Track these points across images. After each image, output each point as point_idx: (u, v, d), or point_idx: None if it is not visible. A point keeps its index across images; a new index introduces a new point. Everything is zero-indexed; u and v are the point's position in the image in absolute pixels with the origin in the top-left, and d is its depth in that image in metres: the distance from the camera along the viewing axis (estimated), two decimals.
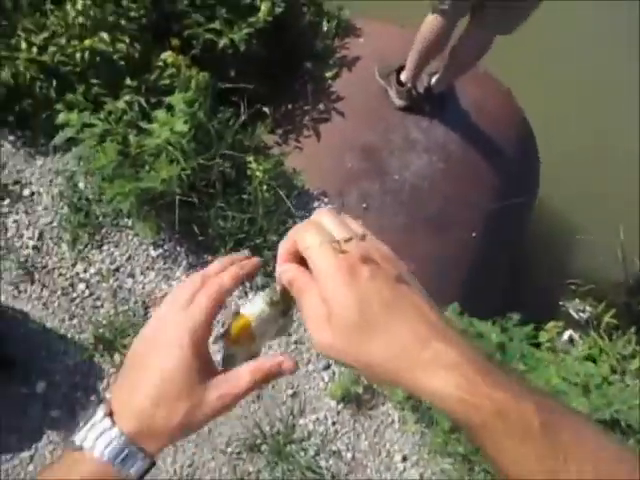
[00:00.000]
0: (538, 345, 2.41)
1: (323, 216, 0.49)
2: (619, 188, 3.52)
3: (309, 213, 2.41)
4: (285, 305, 0.51)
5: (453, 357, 0.40)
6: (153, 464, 0.46)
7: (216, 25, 2.43)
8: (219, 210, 2.09)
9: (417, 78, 2.66)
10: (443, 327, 0.43)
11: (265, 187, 2.09)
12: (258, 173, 2.10)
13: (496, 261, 2.83)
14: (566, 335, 3.03)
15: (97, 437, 0.44)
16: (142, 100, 2.11)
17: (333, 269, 0.44)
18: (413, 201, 2.63)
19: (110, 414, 0.45)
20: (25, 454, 1.69)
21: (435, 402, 0.41)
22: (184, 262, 2.06)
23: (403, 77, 2.67)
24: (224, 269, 0.53)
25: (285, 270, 0.48)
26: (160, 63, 2.16)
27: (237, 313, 0.51)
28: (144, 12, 2.23)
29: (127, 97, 2.09)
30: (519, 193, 3.04)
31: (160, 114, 2.02)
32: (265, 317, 0.51)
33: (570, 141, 3.51)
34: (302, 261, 0.47)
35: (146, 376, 0.45)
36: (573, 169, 3.51)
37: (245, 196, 2.16)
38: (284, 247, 0.49)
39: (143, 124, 2.07)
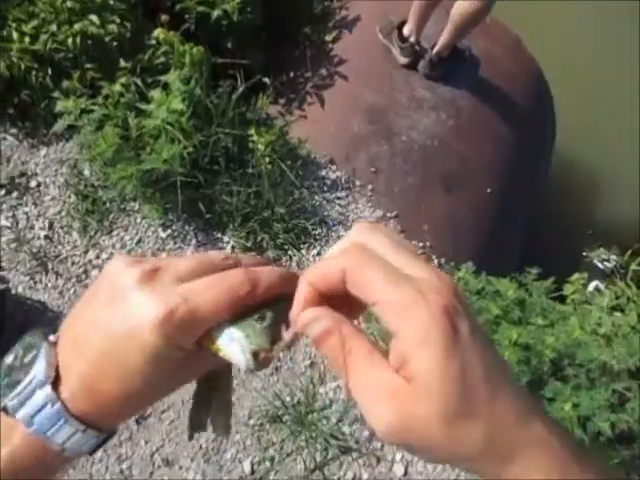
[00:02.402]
0: (563, 299, 2.36)
1: (372, 235, 0.36)
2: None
3: (317, 182, 2.38)
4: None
5: (548, 437, 0.33)
6: (105, 440, 0.40)
7: None
8: (224, 186, 2.08)
9: (420, 32, 2.58)
10: (530, 397, 0.35)
11: (268, 160, 2.06)
12: (260, 146, 2.07)
13: (514, 216, 2.77)
14: (592, 286, 2.97)
15: (36, 411, 0.37)
16: (138, 81, 2.09)
17: (426, 312, 0.32)
18: (424, 161, 2.58)
19: (54, 377, 0.37)
20: None
21: None
22: (193, 241, 2.06)
23: (406, 31, 2.60)
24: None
25: (316, 318, 0.34)
26: (153, 41, 2.12)
27: (212, 333, 0.38)
28: None
29: (123, 79, 2.07)
30: (535, 143, 2.95)
31: (156, 94, 2.00)
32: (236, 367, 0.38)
33: (585, 86, 3.37)
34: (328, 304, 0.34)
35: (107, 359, 0.36)
36: (590, 114, 3.39)
37: (249, 170, 2.14)
38: (319, 275, 0.34)
39: (141, 105, 2.06)
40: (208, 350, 0.37)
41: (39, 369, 0.37)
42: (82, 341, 0.37)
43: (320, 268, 0.35)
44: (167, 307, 0.35)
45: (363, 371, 0.33)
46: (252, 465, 1.83)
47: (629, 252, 3.00)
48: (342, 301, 0.35)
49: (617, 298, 2.69)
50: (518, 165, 2.79)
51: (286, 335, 0.36)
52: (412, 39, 2.59)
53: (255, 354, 0.36)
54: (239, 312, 0.37)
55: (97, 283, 0.39)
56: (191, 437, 0.46)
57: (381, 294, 0.33)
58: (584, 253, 3.27)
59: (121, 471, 1.74)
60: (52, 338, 0.39)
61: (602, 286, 2.94)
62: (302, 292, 0.35)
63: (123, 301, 0.36)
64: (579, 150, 3.42)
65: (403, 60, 2.64)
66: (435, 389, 0.32)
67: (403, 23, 2.61)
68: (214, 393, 0.45)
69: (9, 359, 0.39)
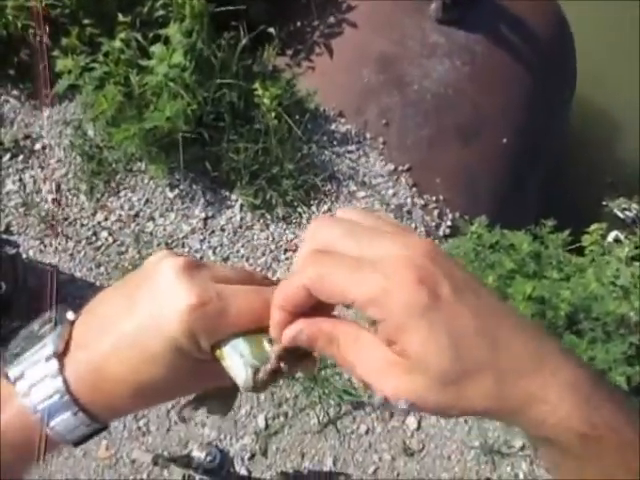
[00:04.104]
0: (581, 252, 2.31)
1: (325, 230, 0.35)
2: None
3: (326, 136, 2.32)
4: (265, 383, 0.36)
5: (566, 376, 0.32)
6: (99, 431, 0.39)
7: None
8: (230, 143, 2.04)
9: None
10: (547, 337, 0.34)
11: (274, 114, 2.00)
12: (266, 100, 2.01)
13: (531, 167, 2.68)
14: (611, 236, 2.89)
15: (35, 383, 0.36)
16: (138, 36, 2.02)
17: (399, 293, 0.31)
18: (437, 111, 2.49)
19: (62, 352, 0.36)
20: None
21: (544, 433, 0.32)
22: (201, 200, 2.04)
23: None
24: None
25: (305, 326, 0.34)
26: None
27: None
28: None
29: (122, 35, 2.01)
30: (554, 89, 2.83)
31: (157, 49, 1.94)
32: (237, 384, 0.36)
33: (607, 31, 3.19)
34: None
35: (124, 340, 0.36)
36: (610, 60, 3.22)
37: (256, 126, 2.09)
38: (285, 298, 0.34)
39: (143, 62, 2.00)
40: (218, 364, 0.36)
41: (48, 342, 0.36)
42: (104, 320, 0.37)
43: (284, 291, 0.34)
44: (200, 298, 0.34)
45: (358, 356, 0.34)
46: (266, 420, 1.85)
47: None
48: (317, 302, 0.34)
49: (636, 248, 2.62)
50: (536, 113, 2.68)
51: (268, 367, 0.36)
52: None
53: (255, 373, 0.35)
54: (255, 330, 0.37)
55: (137, 270, 0.38)
56: (182, 419, 0.45)
57: (350, 294, 0.32)
58: (604, 202, 3.19)
59: (138, 428, 1.78)
60: (70, 315, 0.38)
61: (622, 236, 2.87)
62: (275, 318, 0.35)
63: (158, 285, 0.36)
64: (599, 97, 3.28)
65: None
66: (429, 361, 0.32)
67: None
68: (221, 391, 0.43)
69: (26, 330, 0.38)
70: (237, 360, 0.35)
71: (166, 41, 1.99)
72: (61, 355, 0.36)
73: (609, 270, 2.23)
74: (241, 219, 2.06)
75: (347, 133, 2.34)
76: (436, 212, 2.32)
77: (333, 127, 2.34)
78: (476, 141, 2.49)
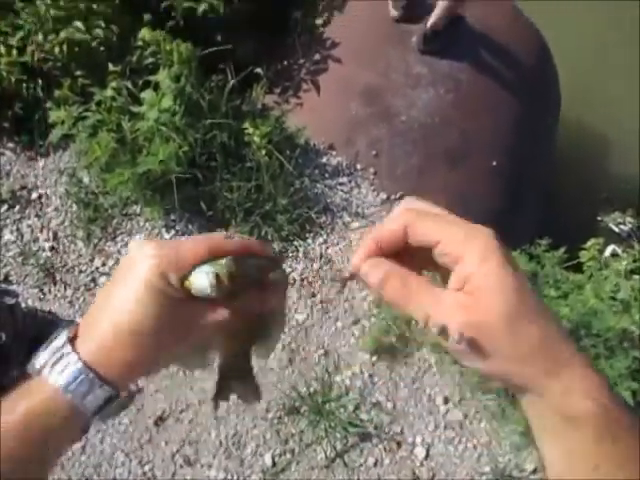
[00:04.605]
0: (579, 267, 2.31)
1: (419, 203, 0.44)
2: None
3: (317, 169, 2.36)
4: (229, 291, 0.44)
5: (588, 366, 0.39)
6: (116, 397, 0.44)
7: None
8: (224, 182, 2.07)
9: None
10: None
11: (264, 152, 2.04)
12: (256, 138, 2.05)
13: (523, 187, 2.71)
14: (608, 251, 2.90)
15: (55, 362, 0.42)
16: (129, 84, 2.08)
17: (482, 241, 0.38)
18: (425, 139, 2.53)
19: (74, 338, 0.43)
20: (77, 444, 1.77)
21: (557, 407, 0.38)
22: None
23: None
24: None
25: (376, 264, 0.40)
26: (140, 42, 2.10)
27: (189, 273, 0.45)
28: None
29: (113, 83, 2.06)
30: (539, 111, 2.88)
31: (147, 95, 1.98)
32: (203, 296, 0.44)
33: (587, 51, 3.28)
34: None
35: (113, 302, 0.43)
36: (594, 79, 3.29)
37: (248, 164, 2.12)
38: (382, 233, 0.41)
39: (134, 108, 2.05)
40: (193, 305, 0.44)
41: (61, 334, 0.44)
42: (98, 305, 0.44)
43: (385, 227, 0.41)
44: (160, 244, 0.44)
45: (430, 297, 0.39)
46: (273, 458, 1.83)
47: None
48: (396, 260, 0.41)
49: (635, 261, 2.63)
50: (523, 135, 2.73)
51: (337, 277, 0.50)
52: None
53: (216, 277, 0.43)
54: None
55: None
56: (217, 406, 0.52)
57: (441, 234, 0.39)
58: (598, 218, 3.21)
59: (144, 473, 1.75)
60: (72, 330, 0.45)
61: (619, 250, 2.88)
62: (365, 246, 0.41)
63: (130, 255, 0.44)
64: (586, 116, 3.33)
65: (394, 13, 2.63)
66: (497, 296, 0.37)
67: None
68: (236, 366, 0.51)
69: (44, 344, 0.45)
70: (199, 276, 0.43)
71: (156, 87, 2.04)
72: (73, 339, 0.43)
73: (608, 285, 2.23)
74: None
75: (338, 165, 2.38)
76: None
77: (324, 160, 2.38)
78: (465, 165, 2.53)
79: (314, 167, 2.31)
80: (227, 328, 0.47)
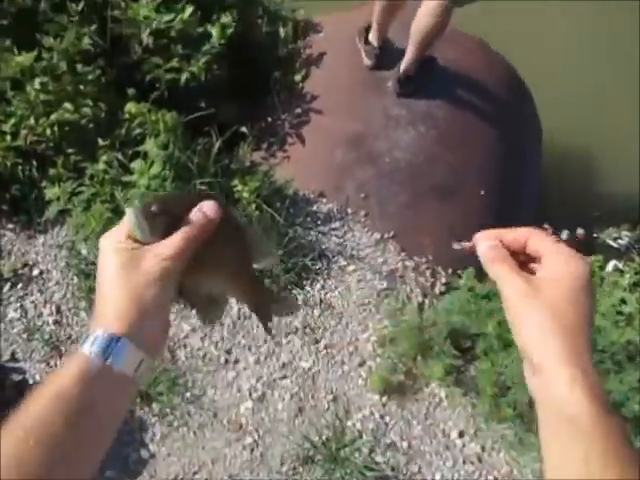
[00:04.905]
0: None
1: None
2: (623, 108, 3.37)
3: (309, 217, 2.41)
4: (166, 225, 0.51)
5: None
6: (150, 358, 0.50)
7: (174, 63, 2.46)
8: None
9: (382, 37, 2.69)
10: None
11: (254, 206, 2.10)
12: (245, 194, 2.12)
13: (513, 212, 2.75)
14: (610, 266, 2.90)
15: (85, 341, 0.49)
16: (119, 156, 2.16)
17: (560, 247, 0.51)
18: (412, 177, 2.59)
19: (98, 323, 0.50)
20: None
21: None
22: None
23: (370, 37, 2.72)
24: None
25: (494, 247, 0.55)
26: (127, 116, 2.20)
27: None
28: (100, 72, 2.28)
29: (104, 157, 2.15)
30: (519, 138, 2.95)
31: (137, 164, 2.06)
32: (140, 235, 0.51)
33: (560, 76, 3.38)
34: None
35: (101, 282, 0.51)
36: (571, 101, 3.38)
37: (242, 220, 2.17)
38: (507, 235, 0.55)
39: (126, 178, 2.12)
40: (151, 246, 0.51)
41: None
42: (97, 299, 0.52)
43: (510, 231, 0.55)
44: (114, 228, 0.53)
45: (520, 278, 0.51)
46: None
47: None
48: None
49: (637, 274, 2.63)
50: (506, 163, 2.79)
51: (458, 245, 0.61)
52: (375, 44, 2.69)
53: (144, 216, 0.50)
54: None
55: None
56: (271, 334, 0.63)
57: (550, 249, 0.52)
58: (595, 235, 3.22)
59: None
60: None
61: (620, 265, 2.88)
62: (490, 234, 0.56)
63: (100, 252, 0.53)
64: (569, 138, 3.41)
65: (367, 62, 2.74)
66: (546, 300, 0.49)
67: (369, 27, 2.73)
68: (256, 296, 0.59)
69: None
70: (126, 217, 0.51)
71: (145, 156, 2.12)
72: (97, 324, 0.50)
73: (610, 300, 2.23)
74: (239, 310, 2.10)
75: (329, 212, 2.43)
76: (428, 272, 2.36)
77: (315, 208, 2.43)
78: (454, 198, 2.58)
79: (305, 215, 2.36)
80: (202, 266, 0.53)
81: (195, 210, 0.52)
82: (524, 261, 0.54)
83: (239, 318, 2.08)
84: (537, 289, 0.49)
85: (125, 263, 0.50)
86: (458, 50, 2.93)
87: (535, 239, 0.53)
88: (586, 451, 0.43)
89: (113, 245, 0.51)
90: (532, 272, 0.53)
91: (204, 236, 0.52)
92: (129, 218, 0.51)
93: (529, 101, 3.02)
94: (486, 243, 0.55)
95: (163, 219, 0.51)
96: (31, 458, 0.43)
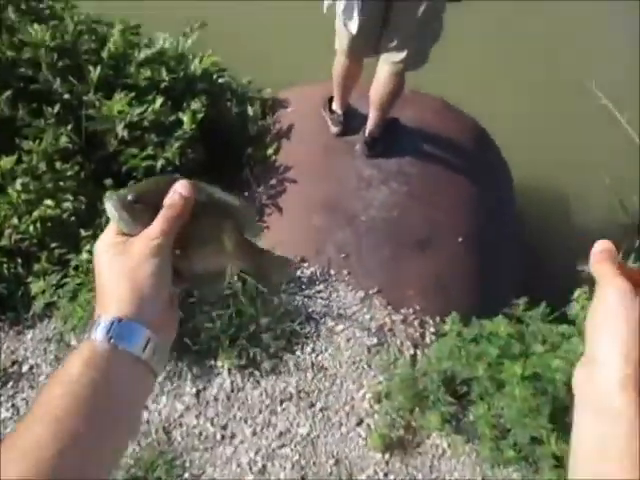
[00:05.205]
0: (565, 319, 2.33)
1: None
2: (589, 140, 3.52)
3: (293, 283, 2.44)
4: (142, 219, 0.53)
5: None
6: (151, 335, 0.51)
7: (149, 151, 2.58)
8: (205, 315, 2.14)
9: (344, 105, 2.84)
10: None
11: (236, 278, 2.14)
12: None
13: (494, 255, 2.80)
14: None
15: (88, 331, 0.50)
16: None
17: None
18: (389, 232, 2.66)
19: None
20: None
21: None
22: (189, 375, 2.09)
23: (335, 106, 2.87)
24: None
25: (608, 249, 0.53)
26: None
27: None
28: (79, 168, 2.38)
29: (87, 247, 2.20)
30: (489, 184, 3.06)
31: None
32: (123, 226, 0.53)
33: (520, 121, 3.55)
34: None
35: (98, 277, 0.54)
36: (538, 142, 3.53)
37: (226, 292, 2.21)
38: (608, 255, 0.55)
39: None
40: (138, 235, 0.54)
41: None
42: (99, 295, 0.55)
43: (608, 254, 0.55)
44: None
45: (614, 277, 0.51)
46: None
47: (620, 253, 3.00)
48: None
49: None
50: (479, 208, 2.87)
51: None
52: (340, 111, 2.83)
53: (122, 205, 0.53)
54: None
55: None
56: (276, 291, 0.68)
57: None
58: (578, 268, 3.26)
59: None
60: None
61: None
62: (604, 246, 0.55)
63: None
64: (539, 179, 3.52)
65: (334, 129, 2.86)
66: (600, 313, 0.51)
67: (332, 97, 2.89)
68: (254, 264, 0.63)
69: None
70: (106, 206, 0.53)
71: None
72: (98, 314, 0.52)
73: None
74: (231, 383, 2.10)
75: (312, 275, 2.48)
76: (417, 323, 2.38)
77: (298, 273, 2.47)
78: (433, 247, 2.64)
79: (289, 282, 2.40)
80: (191, 244, 0.55)
81: (170, 193, 0.54)
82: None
83: (232, 391, 2.08)
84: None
85: (117, 253, 0.52)
86: (420, 109, 3.09)
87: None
88: (621, 450, 0.45)
89: (105, 243, 0.54)
90: None
91: (184, 214, 0.54)
92: (109, 211, 0.53)
93: (493, 148, 3.15)
94: (602, 246, 0.56)
95: (141, 207, 0.53)
96: (41, 443, 0.42)
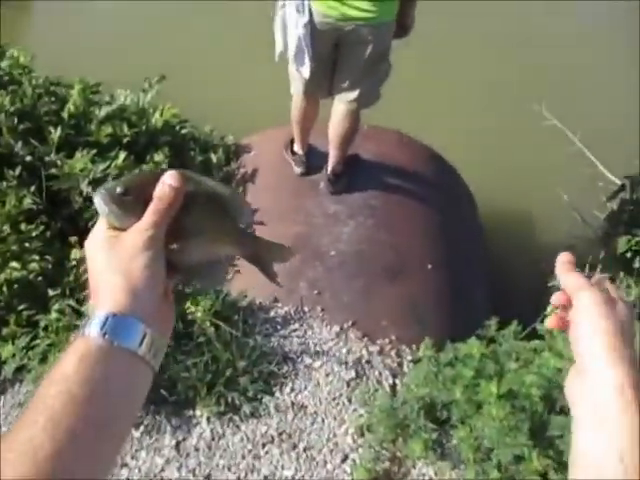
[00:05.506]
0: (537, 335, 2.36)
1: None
2: (542, 159, 3.65)
3: (268, 324, 2.45)
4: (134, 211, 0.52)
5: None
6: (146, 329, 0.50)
7: None
8: (180, 364, 2.12)
9: (304, 146, 2.91)
10: None
11: (209, 324, 2.14)
12: (199, 314, 2.16)
13: (463, 280, 2.85)
14: None
15: (82, 327, 0.50)
16: (71, 302, 2.20)
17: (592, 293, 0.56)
18: (359, 265, 2.69)
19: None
20: None
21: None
22: (168, 427, 2.06)
23: (296, 148, 2.94)
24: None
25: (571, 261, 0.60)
26: (73, 262, 2.28)
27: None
28: (44, 227, 2.38)
29: (56, 306, 2.19)
30: (454, 210, 3.13)
31: (88, 306, 2.10)
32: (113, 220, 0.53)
33: (475, 148, 3.67)
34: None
35: (91, 274, 0.54)
36: (495, 165, 3.64)
37: (199, 339, 2.20)
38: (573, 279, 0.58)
39: (80, 322, 2.15)
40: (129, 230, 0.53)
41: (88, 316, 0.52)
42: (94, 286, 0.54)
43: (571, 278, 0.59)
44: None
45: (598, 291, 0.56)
46: None
47: (587, 266, 3.07)
48: None
49: None
50: (446, 235, 2.94)
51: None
52: (301, 152, 2.90)
53: (110, 197, 0.52)
54: None
55: None
56: (278, 283, 0.67)
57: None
58: (549, 285, 3.33)
59: None
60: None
61: None
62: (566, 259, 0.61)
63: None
64: (500, 201, 3.62)
65: (297, 170, 2.92)
66: (582, 326, 0.55)
67: (293, 139, 2.96)
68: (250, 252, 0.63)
69: None
70: (96, 203, 0.52)
71: None
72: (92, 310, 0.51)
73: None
74: (211, 430, 2.07)
75: (286, 314, 2.48)
76: (393, 352, 2.39)
77: (272, 314, 2.48)
78: (403, 276, 2.67)
79: (263, 322, 2.40)
80: (185, 236, 0.54)
81: (159, 184, 0.53)
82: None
83: (213, 439, 2.05)
84: (613, 303, 0.54)
85: (109, 248, 0.51)
86: (379, 143, 3.18)
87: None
88: (622, 449, 0.46)
89: (96, 238, 0.53)
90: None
91: (175, 205, 0.53)
92: (98, 206, 0.52)
93: (453, 174, 3.24)
94: (564, 258, 0.61)
95: (130, 199, 0.52)
96: (38, 443, 0.41)
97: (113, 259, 0.51)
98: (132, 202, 0.52)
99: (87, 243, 0.54)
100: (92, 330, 0.48)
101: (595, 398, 0.50)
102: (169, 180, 0.52)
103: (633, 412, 0.47)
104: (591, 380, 0.51)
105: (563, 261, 0.60)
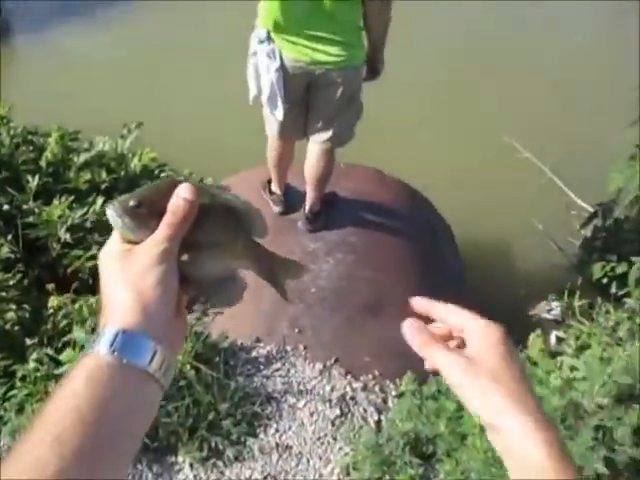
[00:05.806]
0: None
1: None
2: (518, 192, 3.73)
3: (250, 364, 2.43)
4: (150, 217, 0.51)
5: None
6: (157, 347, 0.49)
7: (94, 251, 2.59)
8: (161, 409, 2.09)
9: (282, 185, 2.95)
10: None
11: (189, 367, 2.12)
12: (179, 357, 2.14)
13: None
14: (552, 339, 3.01)
15: (92, 344, 0.48)
16: (49, 350, 2.17)
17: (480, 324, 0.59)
18: (340, 301, 2.70)
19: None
20: None
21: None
22: (149, 476, 2.01)
23: (274, 188, 2.98)
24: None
25: (419, 330, 0.60)
26: (51, 310, 2.26)
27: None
28: (21, 276, 2.37)
29: (34, 355, 2.15)
30: (432, 243, 3.17)
31: (66, 355, 2.08)
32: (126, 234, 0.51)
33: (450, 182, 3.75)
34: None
35: (103, 287, 0.52)
36: (469, 199, 3.72)
37: (180, 383, 2.17)
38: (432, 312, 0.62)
39: (57, 371, 2.12)
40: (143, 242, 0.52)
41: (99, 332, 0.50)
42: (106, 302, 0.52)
43: (433, 310, 0.63)
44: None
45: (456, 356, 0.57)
46: None
47: (565, 293, 3.11)
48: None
49: (577, 339, 2.75)
50: (425, 268, 2.97)
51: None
52: (279, 192, 2.94)
53: (124, 211, 0.51)
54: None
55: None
56: (287, 299, 0.64)
57: (468, 323, 0.59)
58: (529, 314, 3.36)
59: None
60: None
61: (562, 334, 2.98)
62: (414, 322, 0.62)
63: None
64: (477, 234, 3.68)
65: (276, 209, 2.94)
66: (474, 370, 0.55)
67: (271, 179, 3.00)
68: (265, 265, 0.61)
69: None
70: (108, 213, 0.51)
71: (74, 344, 2.15)
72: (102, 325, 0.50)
73: (547, 366, 2.30)
74: (195, 477, 2.03)
75: (268, 354, 2.47)
76: (377, 388, 2.38)
77: (254, 354, 2.46)
78: (384, 310, 2.68)
79: (245, 363, 2.39)
80: (199, 250, 0.53)
81: (173, 197, 0.51)
82: (446, 334, 0.60)
83: None
84: (473, 362, 0.54)
85: (122, 261, 0.50)
86: (355, 180, 3.24)
87: (453, 315, 0.59)
88: None
89: (109, 252, 0.52)
90: (459, 345, 0.59)
91: (189, 218, 0.51)
92: (111, 219, 0.51)
93: (430, 208, 3.30)
94: (410, 329, 0.61)
95: (144, 211, 0.51)
96: (44, 462, 0.40)
97: (125, 274, 0.50)
98: (146, 215, 0.51)
99: (100, 256, 0.53)
100: (102, 347, 0.47)
101: (517, 454, 0.52)
102: (183, 193, 0.51)
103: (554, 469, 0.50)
104: (504, 438, 0.53)
105: (411, 334, 0.62)
